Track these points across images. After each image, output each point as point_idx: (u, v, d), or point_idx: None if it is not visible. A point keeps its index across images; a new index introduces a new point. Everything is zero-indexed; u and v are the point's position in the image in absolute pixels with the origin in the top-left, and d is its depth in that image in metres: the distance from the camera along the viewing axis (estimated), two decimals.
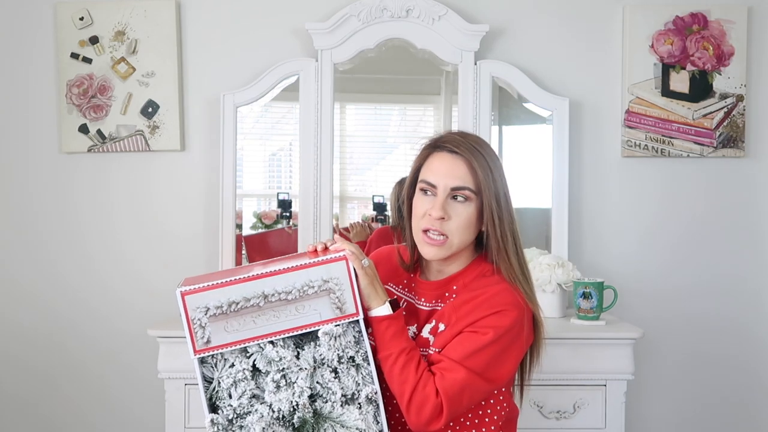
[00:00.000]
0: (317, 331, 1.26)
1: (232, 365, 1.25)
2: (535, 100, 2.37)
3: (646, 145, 2.40)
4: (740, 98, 2.39)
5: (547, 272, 2.19)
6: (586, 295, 2.12)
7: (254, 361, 1.25)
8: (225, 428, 1.24)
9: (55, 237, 2.42)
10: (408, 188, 1.43)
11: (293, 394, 1.23)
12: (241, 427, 1.24)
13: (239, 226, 2.38)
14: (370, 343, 1.43)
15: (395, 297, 1.44)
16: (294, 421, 1.23)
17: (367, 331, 1.45)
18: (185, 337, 1.25)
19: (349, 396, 1.26)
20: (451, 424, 1.36)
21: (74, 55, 2.37)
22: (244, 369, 1.24)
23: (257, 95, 2.35)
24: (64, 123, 2.38)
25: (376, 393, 1.28)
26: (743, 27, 2.38)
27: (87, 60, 2.37)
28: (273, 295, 1.24)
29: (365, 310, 1.33)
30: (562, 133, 2.36)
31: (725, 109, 2.39)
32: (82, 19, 2.36)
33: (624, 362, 2.03)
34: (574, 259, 2.36)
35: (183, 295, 1.22)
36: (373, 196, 2.46)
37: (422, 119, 2.59)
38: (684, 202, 2.43)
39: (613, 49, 2.41)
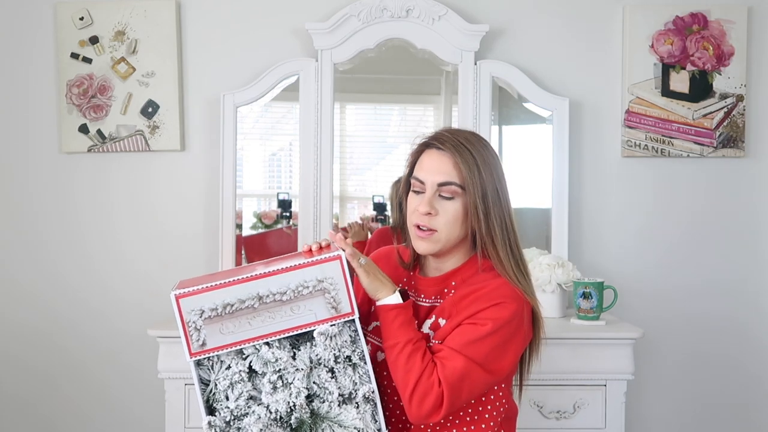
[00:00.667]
0: (313, 331, 1.26)
1: (229, 367, 1.25)
2: (535, 100, 2.37)
3: (646, 145, 2.40)
4: (740, 98, 2.39)
5: (547, 272, 2.19)
6: (586, 295, 2.12)
7: (250, 362, 1.24)
8: (222, 430, 1.23)
9: (55, 237, 2.42)
10: (404, 186, 1.46)
11: (290, 394, 1.23)
12: (238, 429, 1.23)
13: (239, 226, 2.38)
14: (369, 340, 1.44)
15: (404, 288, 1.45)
16: (291, 421, 1.23)
17: (366, 328, 1.46)
18: (181, 340, 1.24)
19: (347, 395, 1.26)
20: (450, 417, 1.36)
21: (74, 55, 2.37)
22: (240, 371, 1.24)
23: (257, 95, 2.35)
24: (64, 123, 2.38)
25: (373, 392, 1.28)
26: (743, 27, 2.38)
27: (87, 60, 2.37)
28: (268, 296, 1.23)
29: (373, 302, 1.33)
30: (562, 133, 2.36)
31: (725, 109, 2.39)
32: (82, 19, 2.36)
33: (624, 362, 2.03)
34: (574, 259, 2.36)
35: (177, 298, 1.22)
36: (373, 196, 2.46)
37: (422, 119, 2.59)
38: (684, 202, 2.43)
39: (613, 49, 2.41)
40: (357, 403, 1.26)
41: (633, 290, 2.39)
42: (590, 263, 2.40)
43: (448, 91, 2.44)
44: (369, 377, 1.28)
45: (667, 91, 2.39)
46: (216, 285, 1.23)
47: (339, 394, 1.25)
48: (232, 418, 1.23)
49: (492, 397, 1.38)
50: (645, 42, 2.38)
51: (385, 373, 1.39)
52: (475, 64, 2.34)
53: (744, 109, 2.40)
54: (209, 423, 1.23)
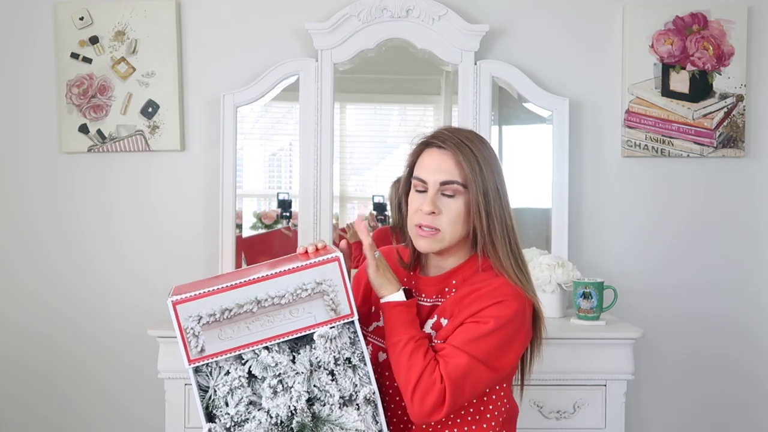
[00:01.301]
0: (312, 334, 1.25)
1: (228, 373, 1.24)
2: (535, 100, 2.37)
3: (646, 145, 2.40)
4: (740, 98, 2.39)
5: (547, 272, 2.18)
6: (586, 295, 2.12)
7: (250, 367, 1.24)
8: None
9: (55, 237, 2.42)
10: (403, 186, 1.46)
11: (291, 398, 1.22)
12: None
13: (239, 226, 2.38)
14: (370, 341, 1.44)
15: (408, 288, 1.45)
16: (293, 425, 1.23)
17: (367, 329, 1.46)
18: (179, 346, 1.23)
19: (347, 397, 1.26)
20: (452, 416, 1.36)
21: (74, 55, 2.37)
22: (239, 376, 1.23)
23: (257, 95, 2.35)
24: (64, 123, 2.38)
25: (374, 393, 1.27)
26: (743, 27, 2.38)
27: (87, 60, 2.37)
28: (266, 300, 1.22)
29: (373, 303, 1.32)
30: (562, 133, 2.36)
31: (725, 109, 2.39)
32: (82, 19, 2.36)
33: (624, 362, 2.03)
34: (574, 259, 2.36)
35: (174, 304, 1.21)
36: (373, 196, 2.46)
37: (422, 119, 2.59)
38: (684, 203, 2.43)
39: (613, 49, 2.41)
40: (358, 404, 1.26)
41: (633, 290, 2.39)
42: (590, 263, 2.40)
43: (448, 91, 2.44)
44: (369, 378, 1.28)
45: (667, 91, 2.39)
46: (213, 290, 1.22)
47: (340, 397, 1.25)
48: (233, 424, 1.22)
49: (494, 396, 1.38)
50: (645, 42, 2.38)
51: (387, 374, 1.39)
52: (475, 64, 2.34)
53: (744, 109, 2.40)
54: (209, 430, 1.23)
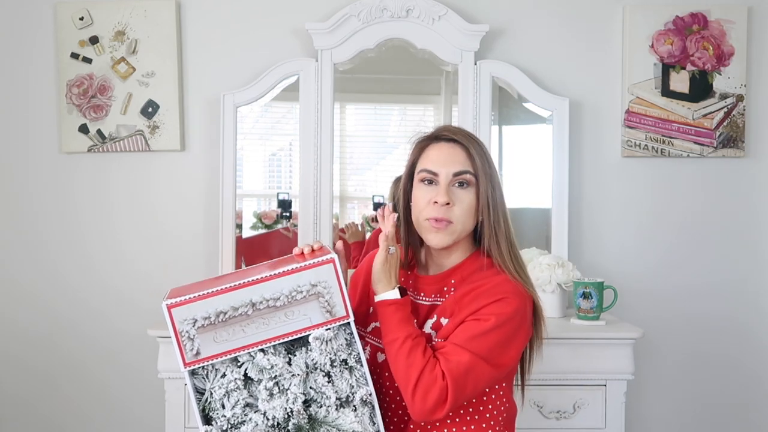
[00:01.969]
0: (308, 336, 1.25)
1: (224, 375, 1.24)
2: (535, 100, 2.37)
3: (646, 145, 2.40)
4: (740, 98, 2.39)
5: (547, 272, 2.18)
6: (586, 295, 2.12)
7: (246, 369, 1.23)
8: None
9: (55, 237, 2.42)
10: (405, 183, 1.44)
11: (287, 400, 1.22)
12: None
13: (239, 226, 2.38)
14: (369, 342, 1.44)
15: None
16: (289, 427, 1.23)
17: (365, 329, 1.46)
18: (174, 350, 1.23)
19: (344, 399, 1.25)
20: (451, 415, 1.35)
21: (74, 55, 2.37)
22: (235, 378, 1.23)
23: (257, 95, 2.35)
24: (64, 123, 2.38)
25: (370, 394, 1.27)
26: (743, 27, 2.38)
27: (87, 60, 2.37)
28: (261, 302, 1.22)
29: (371, 304, 1.31)
30: (562, 133, 2.36)
31: (725, 109, 2.39)
32: (82, 19, 2.36)
33: (624, 362, 2.03)
34: (574, 259, 2.35)
35: (169, 308, 1.21)
36: (373, 196, 2.46)
37: (422, 119, 2.59)
38: (684, 202, 2.43)
39: (613, 49, 2.41)
40: (354, 406, 1.26)
41: (633, 290, 2.39)
42: (590, 263, 2.40)
43: (448, 91, 2.44)
44: (366, 380, 1.27)
45: (667, 91, 2.39)
46: (208, 293, 1.21)
47: (336, 398, 1.24)
48: (229, 426, 1.22)
49: (493, 396, 1.38)
50: (645, 42, 2.38)
51: (386, 374, 1.38)
52: (475, 64, 2.34)
53: (744, 109, 2.40)
54: None
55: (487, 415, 1.37)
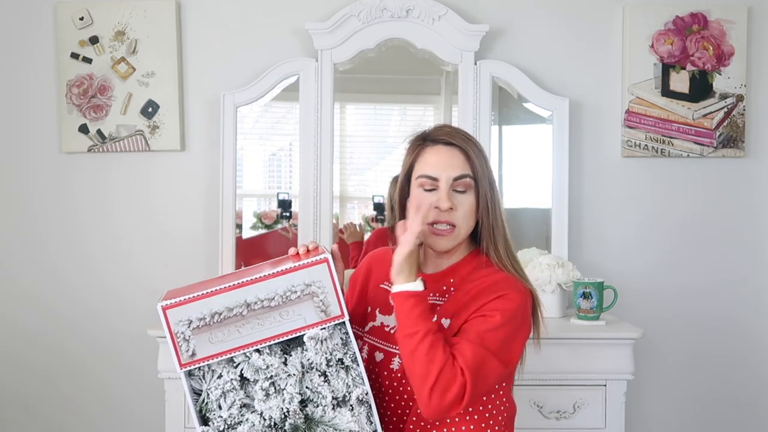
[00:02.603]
0: (303, 335, 1.25)
1: (220, 376, 1.23)
2: (535, 100, 2.37)
3: (646, 145, 2.40)
4: (740, 98, 2.39)
5: (547, 272, 2.18)
6: (586, 295, 2.12)
7: (242, 370, 1.23)
8: None
9: (55, 237, 2.42)
10: (402, 186, 1.44)
11: (283, 400, 1.22)
12: None
13: (239, 226, 2.38)
14: (367, 341, 1.43)
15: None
16: (286, 427, 1.22)
17: (362, 329, 1.45)
18: (170, 351, 1.23)
19: (340, 398, 1.25)
20: (451, 419, 1.35)
21: (74, 55, 2.37)
22: (232, 379, 1.23)
23: (257, 95, 2.35)
24: (64, 123, 2.38)
25: (366, 394, 1.27)
26: (743, 27, 2.38)
27: (87, 60, 2.37)
28: (256, 302, 1.22)
29: (368, 304, 1.31)
30: (562, 133, 2.36)
31: (725, 109, 2.39)
32: (82, 19, 2.36)
33: (624, 362, 2.03)
34: (574, 259, 2.35)
35: (164, 309, 1.21)
36: (373, 196, 2.46)
37: (422, 119, 2.59)
38: (684, 203, 2.43)
39: (613, 49, 2.41)
40: (351, 405, 1.25)
41: (633, 290, 2.39)
42: (590, 263, 2.40)
43: (448, 91, 2.44)
44: (362, 379, 1.27)
45: (667, 91, 2.39)
46: (203, 294, 1.21)
47: (333, 398, 1.24)
48: (226, 427, 1.22)
49: (493, 395, 1.38)
50: (645, 42, 2.38)
51: (384, 373, 1.39)
52: (475, 64, 2.34)
53: (744, 109, 2.40)
54: None
55: (487, 415, 1.37)
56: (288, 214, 2.42)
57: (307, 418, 1.24)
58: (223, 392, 1.23)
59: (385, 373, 1.38)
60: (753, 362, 2.47)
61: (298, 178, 2.37)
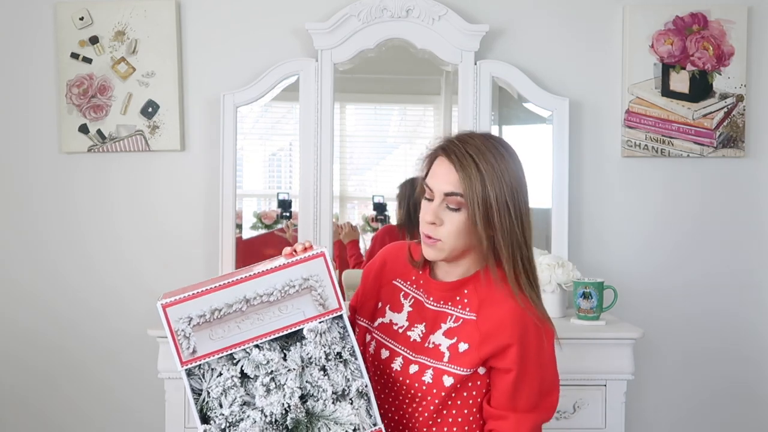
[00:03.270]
0: (302, 331, 1.26)
1: (220, 374, 1.24)
2: (535, 100, 2.37)
3: (646, 145, 2.40)
4: (740, 98, 2.39)
5: (547, 272, 2.18)
6: (586, 295, 2.12)
7: (242, 367, 1.24)
8: None
9: (55, 237, 2.42)
10: (420, 189, 1.42)
11: (284, 396, 1.22)
12: None
13: (239, 226, 2.38)
14: (375, 337, 1.43)
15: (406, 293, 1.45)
16: (287, 422, 1.23)
17: (372, 324, 1.46)
18: (171, 350, 1.23)
19: (340, 392, 1.26)
20: (455, 413, 1.35)
21: (74, 55, 2.37)
22: (232, 376, 1.23)
23: (257, 95, 2.35)
24: (64, 123, 2.38)
25: (366, 386, 1.27)
26: (743, 27, 2.38)
27: (87, 60, 2.37)
28: (255, 298, 1.23)
29: (379, 299, 1.33)
30: (562, 133, 2.36)
31: (725, 109, 2.39)
32: (82, 19, 2.36)
33: (624, 362, 2.03)
34: (574, 259, 2.35)
35: (164, 307, 1.21)
36: (373, 196, 2.46)
37: (422, 119, 2.59)
38: (684, 202, 2.43)
39: (613, 49, 2.41)
40: (351, 399, 1.26)
41: (633, 290, 2.39)
42: (590, 263, 2.40)
43: (448, 91, 2.44)
44: (361, 372, 1.28)
45: (667, 91, 2.39)
46: (202, 291, 1.22)
47: (333, 392, 1.25)
48: (228, 425, 1.22)
49: (479, 382, 1.36)
50: (645, 42, 2.38)
51: (387, 371, 1.38)
52: (475, 64, 2.34)
53: (744, 109, 2.40)
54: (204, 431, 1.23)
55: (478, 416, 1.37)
56: (288, 214, 2.43)
57: (308, 413, 1.24)
58: (224, 390, 1.23)
59: (388, 371, 1.38)
60: (753, 361, 2.47)
61: (298, 178, 2.37)
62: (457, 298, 1.39)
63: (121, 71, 2.37)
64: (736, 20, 2.38)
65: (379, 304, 1.47)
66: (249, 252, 2.38)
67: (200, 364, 1.24)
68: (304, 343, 1.26)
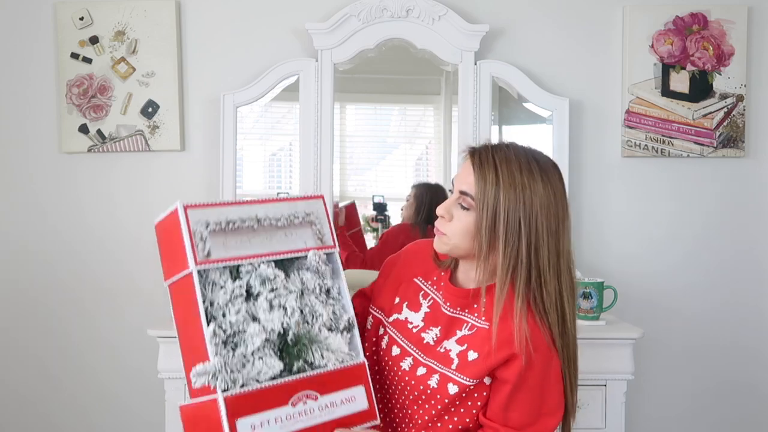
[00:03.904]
0: (300, 260, 1.33)
1: (223, 287, 1.26)
2: (535, 100, 2.37)
3: (646, 145, 2.40)
4: (740, 98, 2.39)
5: None
6: (586, 295, 2.12)
7: (247, 282, 1.27)
8: (224, 341, 1.22)
9: (55, 237, 2.42)
10: None
11: (285, 314, 1.27)
12: (243, 340, 1.23)
13: None
14: (388, 332, 1.44)
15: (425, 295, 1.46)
16: (289, 337, 1.26)
17: (387, 318, 1.46)
18: (186, 248, 1.23)
19: (329, 326, 1.31)
20: (453, 411, 1.35)
21: (74, 55, 2.37)
22: (240, 286, 1.26)
23: (257, 95, 2.35)
24: (64, 123, 2.38)
25: (349, 320, 1.34)
26: (743, 27, 2.38)
27: (87, 60, 2.37)
28: (265, 219, 1.30)
29: (398, 293, 1.39)
30: (562, 133, 2.36)
31: (725, 109, 2.39)
32: (82, 19, 2.36)
33: (624, 362, 2.03)
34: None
35: (186, 207, 1.24)
36: (373, 196, 2.46)
37: (422, 119, 2.59)
38: (684, 203, 2.43)
39: (613, 49, 2.41)
40: (341, 331, 1.32)
41: (633, 290, 2.39)
42: (590, 263, 2.40)
43: (448, 91, 2.44)
44: (345, 309, 1.35)
45: (667, 91, 2.39)
46: (219, 203, 1.29)
47: (327, 318, 1.31)
48: (233, 332, 1.23)
49: (485, 393, 1.37)
50: (645, 42, 2.38)
51: (395, 368, 1.39)
52: (475, 64, 2.34)
53: (744, 109, 2.40)
54: (213, 332, 1.20)
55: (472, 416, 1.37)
56: None
57: (306, 334, 1.29)
58: (231, 299, 1.25)
59: (396, 368, 1.38)
60: (753, 362, 2.47)
61: (298, 178, 2.37)
62: (474, 305, 1.38)
63: (121, 71, 2.37)
64: (736, 20, 2.38)
65: (397, 299, 1.46)
66: None
67: (207, 278, 1.25)
68: (302, 272, 1.32)
